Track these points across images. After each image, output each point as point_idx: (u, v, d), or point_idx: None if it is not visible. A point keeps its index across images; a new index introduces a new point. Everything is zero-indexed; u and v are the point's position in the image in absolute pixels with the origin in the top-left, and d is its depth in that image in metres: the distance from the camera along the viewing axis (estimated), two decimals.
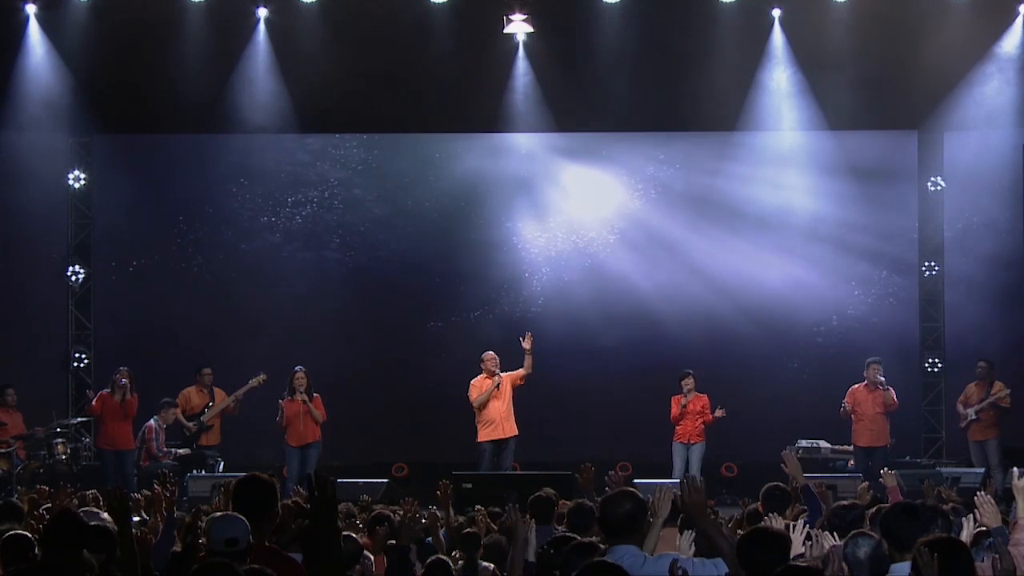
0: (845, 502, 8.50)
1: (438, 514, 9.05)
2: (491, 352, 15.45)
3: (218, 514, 6.26)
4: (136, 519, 8.80)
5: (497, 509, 9.96)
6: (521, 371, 15.28)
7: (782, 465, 9.03)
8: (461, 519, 9.36)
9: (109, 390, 15.41)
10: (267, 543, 6.04)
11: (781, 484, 8.60)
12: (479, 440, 15.22)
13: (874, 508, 7.64)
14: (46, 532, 6.19)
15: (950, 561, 5.10)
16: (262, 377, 15.75)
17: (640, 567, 5.54)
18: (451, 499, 9.68)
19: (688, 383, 15.55)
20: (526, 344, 15.23)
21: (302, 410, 15.25)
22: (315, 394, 15.41)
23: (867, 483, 11.72)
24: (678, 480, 14.74)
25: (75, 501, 9.25)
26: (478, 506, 10.31)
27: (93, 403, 15.71)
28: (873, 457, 15.25)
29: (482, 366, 15.32)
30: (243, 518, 6.15)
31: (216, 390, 16.04)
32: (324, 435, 15.52)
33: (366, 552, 7.30)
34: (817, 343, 17.42)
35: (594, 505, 8.88)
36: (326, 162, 17.79)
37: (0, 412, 15.69)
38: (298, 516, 6.84)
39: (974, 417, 15.79)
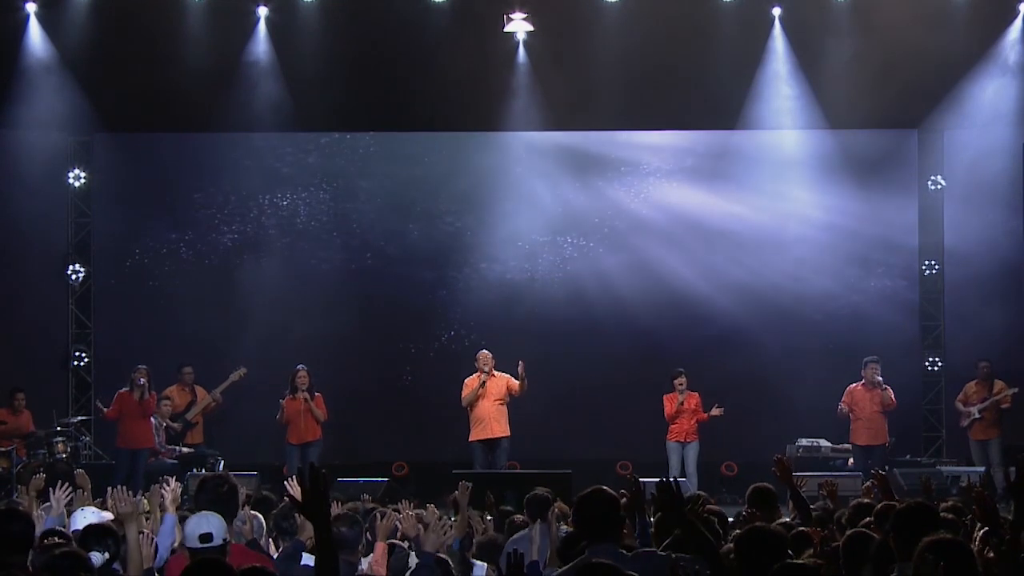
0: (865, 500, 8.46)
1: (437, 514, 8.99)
2: (485, 351, 15.48)
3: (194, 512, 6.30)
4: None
5: (509, 508, 9.99)
6: (516, 384, 15.19)
7: (773, 470, 8.79)
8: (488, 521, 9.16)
9: (128, 388, 15.36)
10: None
11: (767, 485, 8.55)
12: (470, 439, 15.29)
13: (879, 505, 7.60)
14: None
15: (953, 563, 5.02)
16: (242, 371, 15.91)
17: (624, 566, 5.49)
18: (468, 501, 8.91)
19: (681, 382, 15.63)
20: (520, 371, 15.06)
21: (303, 408, 15.32)
22: (316, 393, 15.48)
23: (871, 482, 11.68)
24: (679, 478, 14.87)
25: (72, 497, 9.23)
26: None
27: (112, 404, 15.46)
28: (872, 456, 15.28)
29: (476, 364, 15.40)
30: (218, 515, 6.18)
31: (198, 388, 16.13)
32: (324, 433, 15.56)
33: None
34: (817, 342, 17.39)
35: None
36: (326, 161, 17.80)
37: (6, 414, 15.70)
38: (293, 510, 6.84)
39: (977, 416, 15.78)
